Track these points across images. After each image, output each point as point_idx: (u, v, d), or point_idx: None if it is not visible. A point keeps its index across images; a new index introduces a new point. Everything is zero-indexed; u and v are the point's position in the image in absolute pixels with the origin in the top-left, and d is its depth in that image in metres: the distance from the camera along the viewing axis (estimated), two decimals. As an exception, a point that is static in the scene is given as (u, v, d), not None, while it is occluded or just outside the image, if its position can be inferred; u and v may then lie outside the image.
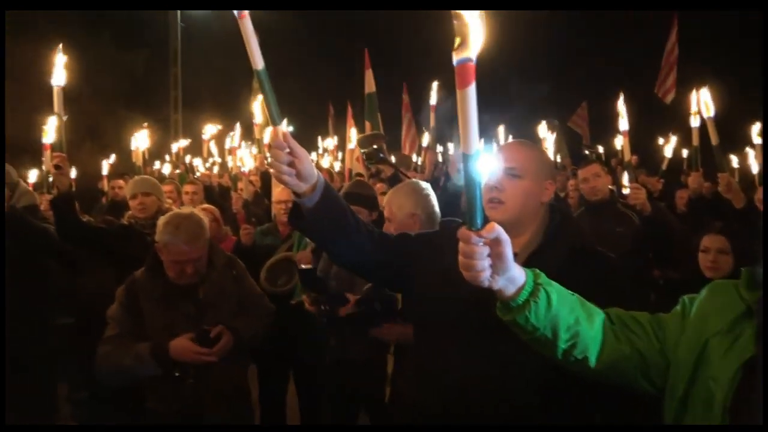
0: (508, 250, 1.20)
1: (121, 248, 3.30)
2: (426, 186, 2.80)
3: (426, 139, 7.42)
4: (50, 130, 3.23)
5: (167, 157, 14.10)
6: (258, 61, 1.38)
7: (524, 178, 1.74)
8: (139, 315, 2.50)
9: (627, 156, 3.34)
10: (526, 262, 1.67)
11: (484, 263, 1.18)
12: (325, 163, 8.63)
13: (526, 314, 1.25)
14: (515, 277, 1.24)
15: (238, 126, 7.53)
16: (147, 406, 2.56)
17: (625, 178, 3.74)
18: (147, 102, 17.18)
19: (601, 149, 13.54)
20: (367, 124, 8.53)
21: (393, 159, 9.67)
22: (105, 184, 6.66)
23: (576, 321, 1.29)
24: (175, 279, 2.50)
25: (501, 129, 11.83)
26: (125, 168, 10.51)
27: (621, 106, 3.36)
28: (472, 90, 1.09)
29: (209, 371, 2.39)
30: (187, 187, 5.24)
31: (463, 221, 1.80)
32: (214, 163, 11.17)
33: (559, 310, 1.27)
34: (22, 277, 3.20)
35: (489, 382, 1.61)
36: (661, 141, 11.05)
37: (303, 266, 2.96)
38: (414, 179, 2.95)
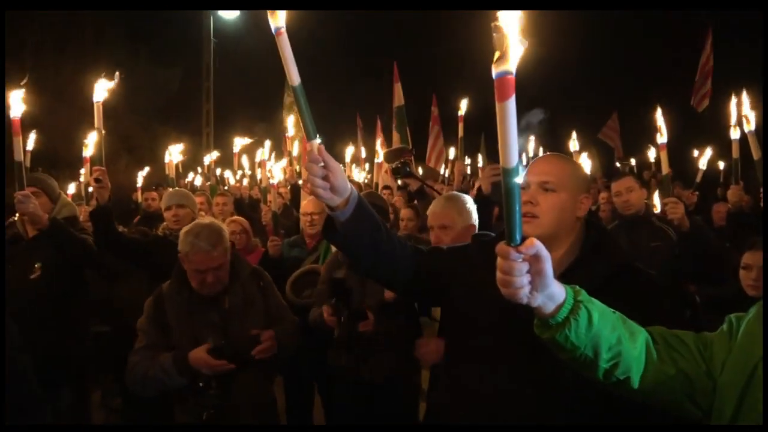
0: (548, 266, 1.17)
1: (155, 259, 3.36)
2: (470, 198, 2.80)
3: (452, 152, 7.42)
4: (90, 145, 3.33)
5: (199, 169, 14.40)
6: (294, 78, 1.40)
7: (559, 191, 1.69)
8: (166, 326, 2.53)
9: (665, 170, 3.22)
10: (561, 279, 1.64)
11: (523, 280, 1.15)
12: (356, 175, 8.68)
13: (566, 332, 1.20)
14: (555, 294, 1.20)
15: (268, 141, 7.65)
16: (174, 414, 2.58)
17: (657, 197, 3.63)
18: (180, 116, 17.60)
19: (633, 161, 13.32)
20: (396, 137, 8.57)
21: (420, 171, 9.69)
22: (139, 196, 6.83)
23: (618, 340, 1.24)
24: (199, 289, 2.52)
25: (531, 140, 11.73)
26: (159, 179, 10.78)
27: (659, 119, 3.24)
28: (511, 103, 1.08)
29: (233, 382, 2.39)
30: (218, 199, 5.33)
31: (496, 235, 1.79)
32: (243, 175, 11.35)
33: (600, 328, 1.21)
34: (62, 285, 3.29)
35: (524, 399, 1.58)
36: (695, 152, 10.83)
37: (337, 276, 2.95)
38: (457, 193, 2.94)
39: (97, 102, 2.92)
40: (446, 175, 8.82)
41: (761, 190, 3.46)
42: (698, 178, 4.36)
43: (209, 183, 10.38)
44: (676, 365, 1.29)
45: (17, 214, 3.25)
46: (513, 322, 1.41)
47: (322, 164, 1.41)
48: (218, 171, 12.24)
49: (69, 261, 3.25)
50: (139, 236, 3.79)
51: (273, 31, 1.38)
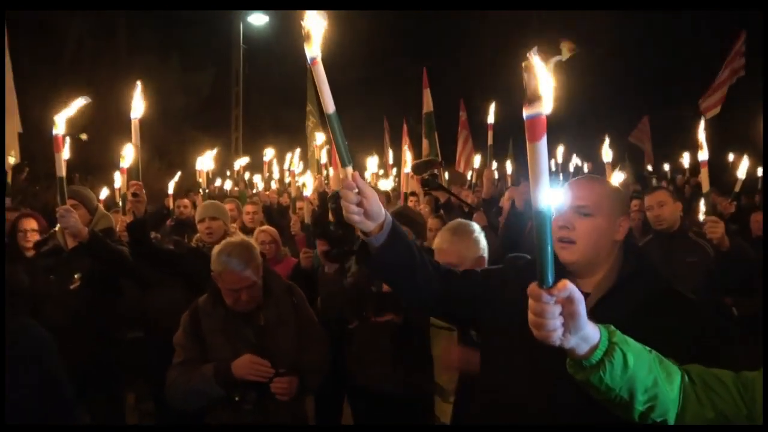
0: (582, 309, 1.14)
1: (189, 270, 3.45)
2: (476, 226, 2.72)
3: (477, 160, 7.36)
4: (127, 157, 3.41)
5: (228, 172, 14.63)
6: (329, 106, 1.41)
7: (596, 216, 1.66)
8: (203, 341, 2.57)
9: (705, 187, 3.09)
10: (599, 304, 1.63)
11: (555, 322, 1.13)
12: (382, 184, 8.71)
13: (600, 374, 1.17)
14: (589, 335, 1.17)
15: (298, 151, 7.72)
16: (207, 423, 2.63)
17: (702, 206, 3.48)
18: (210, 121, 17.91)
19: (666, 167, 13.02)
20: (425, 144, 8.55)
21: (447, 176, 9.64)
22: (171, 203, 6.96)
23: (654, 382, 1.21)
24: (233, 306, 2.56)
25: (561, 149, 11.53)
26: (190, 185, 11.00)
27: (701, 134, 3.10)
28: (543, 144, 1.07)
29: (269, 400, 2.42)
30: (248, 208, 5.42)
31: (531, 258, 1.77)
32: (270, 178, 11.48)
33: (636, 370, 1.18)
34: (100, 295, 3.40)
35: (559, 417, 1.57)
36: (731, 156, 10.53)
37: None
38: (462, 221, 2.85)
39: (134, 119, 3.00)
40: (473, 181, 8.77)
41: None
42: (737, 188, 4.21)
43: (237, 188, 10.55)
44: (715, 408, 1.25)
45: (58, 226, 3.36)
46: (548, 346, 1.40)
47: (357, 191, 1.43)
48: (247, 175, 12.44)
49: (106, 272, 3.34)
50: (173, 247, 3.87)
51: (308, 60, 1.39)
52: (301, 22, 1.37)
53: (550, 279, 1.12)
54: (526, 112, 1.07)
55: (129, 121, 3.02)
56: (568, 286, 1.12)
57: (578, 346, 1.17)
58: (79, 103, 2.90)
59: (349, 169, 1.43)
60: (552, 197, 1.10)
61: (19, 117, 6.62)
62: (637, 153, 15.26)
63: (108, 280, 3.42)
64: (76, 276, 3.30)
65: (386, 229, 1.51)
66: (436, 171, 3.78)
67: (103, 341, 3.40)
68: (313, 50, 1.39)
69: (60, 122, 2.78)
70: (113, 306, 3.54)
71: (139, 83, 3.02)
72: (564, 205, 1.70)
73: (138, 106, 2.98)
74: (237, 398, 2.36)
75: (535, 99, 1.06)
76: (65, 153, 2.94)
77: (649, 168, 14.09)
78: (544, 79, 1.06)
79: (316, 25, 1.37)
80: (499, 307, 1.71)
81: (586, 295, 1.65)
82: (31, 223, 4.20)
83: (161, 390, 2.65)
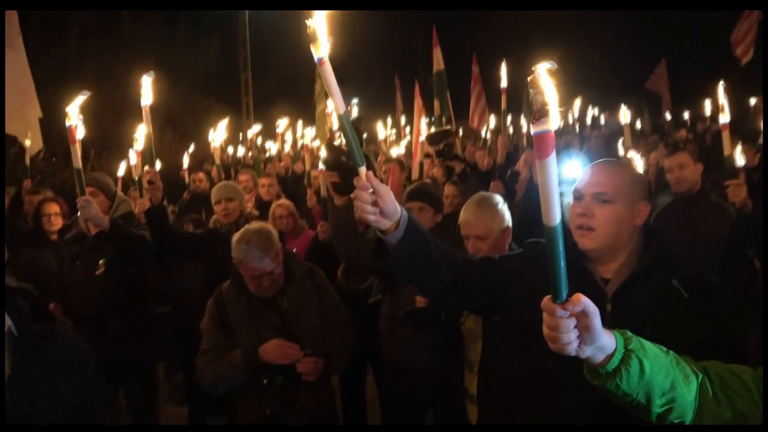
0: (597, 321, 1.14)
1: (209, 252, 3.52)
2: (500, 198, 2.71)
3: (492, 120, 7.22)
4: (140, 139, 3.42)
5: (240, 136, 14.60)
6: (340, 106, 1.39)
7: (615, 202, 1.63)
8: (229, 328, 2.64)
9: (727, 150, 3.02)
10: (619, 291, 1.62)
11: (570, 336, 1.14)
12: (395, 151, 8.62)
13: (617, 382, 1.18)
14: (605, 345, 1.17)
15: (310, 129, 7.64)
16: (237, 412, 2.71)
17: (739, 151, 3.35)
18: (220, 87, 17.79)
19: (686, 115, 12.66)
20: (436, 104, 8.37)
21: (461, 132, 9.44)
22: (186, 176, 7.02)
23: (672, 386, 1.22)
24: (256, 292, 2.61)
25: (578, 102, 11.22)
26: (203, 155, 11.02)
27: (722, 97, 2.99)
28: (552, 160, 1.06)
29: (296, 379, 2.49)
30: (263, 180, 5.43)
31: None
32: (283, 149, 11.44)
33: (652, 376, 1.19)
34: (125, 278, 3.49)
35: (580, 409, 1.57)
36: (752, 100, 10.20)
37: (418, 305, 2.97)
38: (486, 193, 2.83)
39: (145, 105, 2.99)
40: (488, 141, 8.62)
41: None
42: (760, 140, 4.09)
43: (251, 154, 10.53)
44: (733, 407, 1.26)
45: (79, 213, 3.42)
46: None
47: (371, 190, 1.42)
48: (259, 140, 12.41)
49: (130, 257, 3.42)
50: (193, 228, 3.92)
51: (316, 61, 1.36)
52: (306, 22, 1.34)
53: (564, 293, 1.12)
54: (533, 129, 1.05)
55: (138, 93, 3.00)
56: (582, 301, 1.12)
57: (594, 356, 1.18)
58: (83, 96, 2.88)
59: (363, 170, 1.41)
60: (572, 173, 1.09)
61: (38, 102, 6.66)
62: (656, 100, 14.83)
63: (132, 265, 3.49)
64: (100, 262, 3.37)
65: (402, 225, 1.50)
66: (449, 142, 3.71)
67: (131, 322, 3.50)
68: (321, 51, 1.36)
69: (72, 114, 2.78)
70: (139, 288, 3.63)
71: (151, 72, 2.99)
72: (583, 191, 1.67)
73: (148, 93, 2.97)
74: (265, 381, 2.43)
75: (542, 115, 1.04)
76: (80, 132, 2.92)
77: (668, 116, 13.72)
78: (550, 94, 1.04)
79: (321, 24, 1.34)
80: (519, 294, 1.71)
81: (606, 281, 1.67)
82: (53, 208, 4.28)
83: (191, 362, 2.74)
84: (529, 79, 1.06)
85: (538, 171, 1.07)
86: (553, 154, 1.06)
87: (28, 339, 1.63)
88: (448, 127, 6.27)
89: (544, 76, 1.06)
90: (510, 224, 2.63)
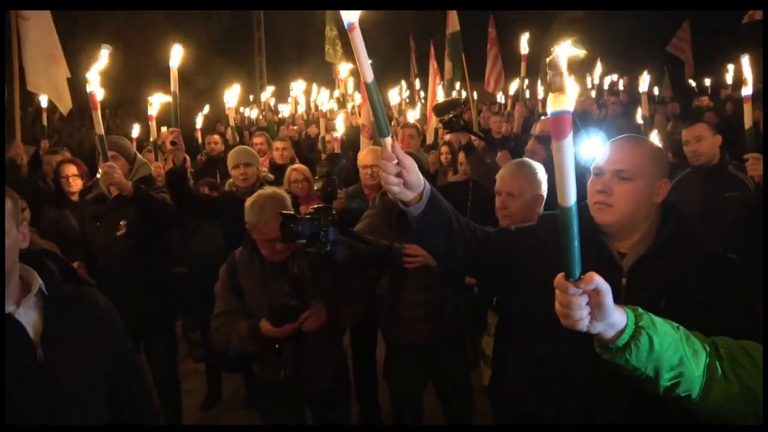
0: (608, 299, 1.16)
1: (226, 214, 3.56)
2: (542, 167, 2.70)
3: (513, 87, 7.06)
4: (155, 103, 3.43)
5: (251, 97, 14.48)
6: (368, 75, 1.37)
7: (635, 180, 1.62)
8: (241, 293, 2.68)
9: (748, 123, 2.96)
10: (635, 266, 1.64)
11: (582, 313, 1.16)
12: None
13: (627, 357, 1.22)
14: (616, 321, 1.20)
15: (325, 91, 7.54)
16: (253, 371, 2.81)
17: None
18: (234, 47, 17.57)
19: (708, 82, 12.32)
20: (447, 66, 8.23)
21: (476, 95, 9.22)
22: (199, 137, 7.02)
23: (680, 361, 1.24)
24: (269, 256, 2.63)
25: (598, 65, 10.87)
26: (218, 116, 11.01)
27: (747, 70, 2.90)
28: (568, 141, 1.06)
29: (306, 343, 2.53)
30: (277, 144, 5.45)
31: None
32: (296, 104, 11.35)
33: (661, 352, 1.22)
34: (146, 239, 3.55)
35: (595, 383, 1.60)
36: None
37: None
38: (528, 159, 2.84)
39: (173, 68, 2.99)
40: (505, 106, 8.51)
41: None
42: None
43: (263, 116, 10.48)
44: (742, 383, 1.27)
45: (99, 172, 3.47)
46: None
47: (396, 161, 1.41)
48: (272, 101, 12.36)
49: (151, 219, 3.48)
50: (209, 191, 3.97)
51: (346, 26, 1.33)
52: None
53: (577, 272, 1.14)
54: (551, 109, 1.05)
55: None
56: (595, 279, 1.14)
57: (605, 332, 1.20)
58: (104, 54, 2.89)
59: (388, 140, 1.40)
60: (590, 150, 1.10)
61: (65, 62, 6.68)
62: (678, 63, 14.42)
63: (153, 226, 3.56)
64: (121, 223, 3.44)
65: (425, 197, 1.51)
66: (457, 113, 3.65)
67: (152, 282, 3.60)
68: (351, 15, 1.33)
69: (93, 79, 2.79)
70: (159, 248, 3.71)
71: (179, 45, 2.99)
72: (603, 167, 1.66)
73: (176, 55, 2.96)
74: (277, 346, 2.50)
75: (560, 96, 1.04)
76: (99, 93, 2.94)
77: (691, 82, 13.38)
78: (568, 77, 1.04)
79: None
80: (535, 264, 1.73)
81: (622, 256, 1.68)
82: (72, 169, 4.35)
83: (208, 320, 2.80)
84: (547, 60, 1.06)
85: (554, 152, 1.08)
86: (570, 136, 1.06)
87: (59, 298, 1.70)
88: (457, 97, 6.18)
89: (563, 57, 1.05)
90: (545, 194, 2.63)
